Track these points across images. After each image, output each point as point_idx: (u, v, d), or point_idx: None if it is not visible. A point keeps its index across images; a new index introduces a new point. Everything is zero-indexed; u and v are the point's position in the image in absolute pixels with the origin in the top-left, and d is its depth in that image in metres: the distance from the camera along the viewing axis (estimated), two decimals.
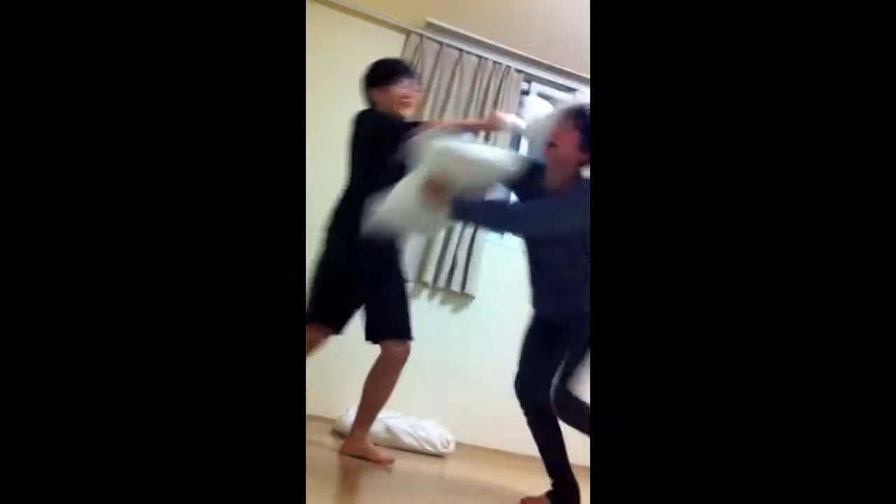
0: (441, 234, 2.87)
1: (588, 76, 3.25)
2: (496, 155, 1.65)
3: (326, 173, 2.84)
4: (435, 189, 1.59)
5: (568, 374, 1.57)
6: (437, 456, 2.38)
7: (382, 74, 1.97)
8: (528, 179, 1.67)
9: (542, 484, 1.74)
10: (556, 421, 1.65)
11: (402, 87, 1.95)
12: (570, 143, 1.55)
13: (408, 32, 3.02)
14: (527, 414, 1.72)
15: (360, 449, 1.97)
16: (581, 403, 1.56)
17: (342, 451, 1.99)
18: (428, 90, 2.97)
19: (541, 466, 1.73)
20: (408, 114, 1.98)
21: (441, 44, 3.03)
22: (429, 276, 2.85)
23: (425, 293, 2.93)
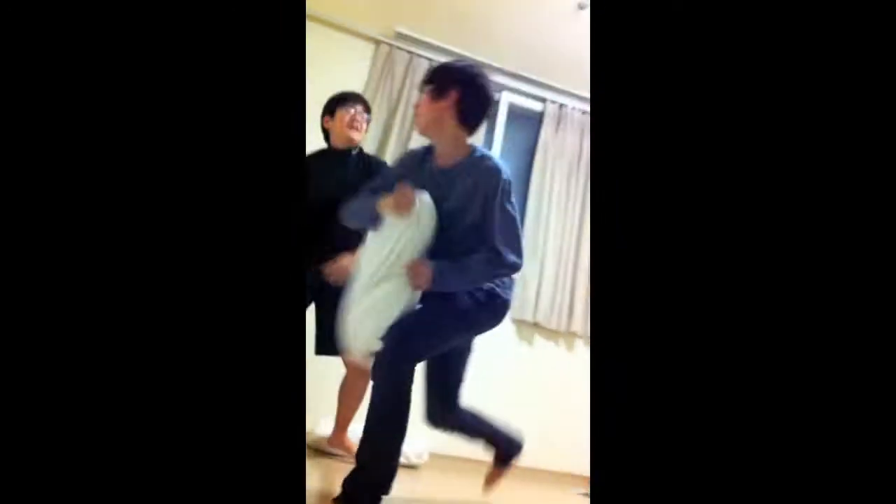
0: None
1: (556, 84, 3.30)
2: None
3: None
4: (418, 269, 1.48)
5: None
6: (411, 467, 2.35)
7: (331, 103, 2.16)
8: (419, 166, 1.61)
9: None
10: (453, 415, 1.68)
11: (347, 113, 2.11)
12: (426, 106, 1.52)
13: (377, 42, 3.02)
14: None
15: (342, 445, 2.16)
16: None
17: (329, 443, 2.20)
18: (398, 100, 2.99)
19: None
20: (356, 136, 2.13)
21: (411, 54, 3.04)
22: None
23: None
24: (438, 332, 1.49)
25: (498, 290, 1.58)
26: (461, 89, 1.49)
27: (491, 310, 1.58)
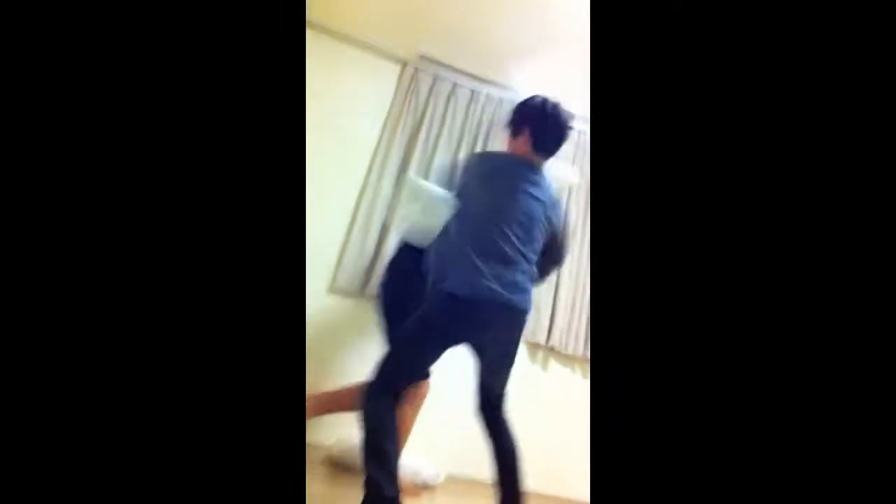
0: None
1: (575, 111, 3.33)
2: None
3: (323, 200, 2.84)
4: None
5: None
6: (427, 488, 2.33)
7: None
8: None
9: None
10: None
11: None
12: (509, 145, 1.80)
13: (403, 63, 3.06)
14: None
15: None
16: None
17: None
18: (422, 119, 3.01)
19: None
20: None
21: (435, 76, 3.08)
22: None
23: None
24: (403, 354, 1.57)
25: (456, 290, 1.56)
26: (532, 126, 1.73)
27: (447, 312, 1.56)
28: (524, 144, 1.72)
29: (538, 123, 1.71)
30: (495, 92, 3.14)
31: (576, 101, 3.25)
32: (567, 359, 3.03)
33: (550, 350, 3.01)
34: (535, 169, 1.72)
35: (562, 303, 3.05)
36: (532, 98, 1.78)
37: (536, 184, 1.69)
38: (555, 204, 1.75)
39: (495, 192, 1.64)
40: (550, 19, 2.79)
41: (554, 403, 2.93)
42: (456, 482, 2.57)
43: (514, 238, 1.59)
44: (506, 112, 1.85)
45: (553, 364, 3.02)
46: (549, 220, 1.71)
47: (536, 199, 1.67)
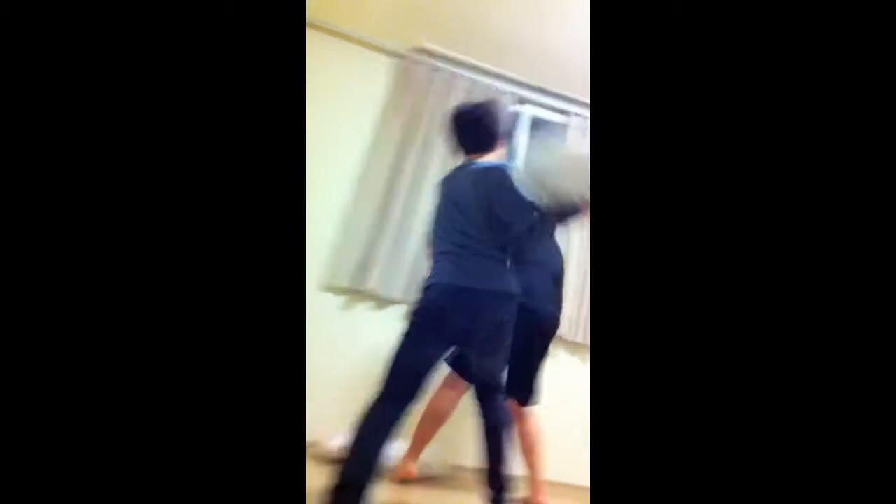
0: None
1: (579, 98, 3.28)
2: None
3: (317, 196, 2.85)
4: None
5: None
6: (428, 477, 2.32)
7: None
8: None
9: None
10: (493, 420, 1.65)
11: None
12: None
13: (399, 56, 3.07)
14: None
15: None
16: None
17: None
18: (420, 114, 3.00)
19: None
20: None
21: (433, 68, 3.08)
22: None
23: None
24: (394, 360, 1.62)
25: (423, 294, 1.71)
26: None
27: (416, 311, 1.68)
28: None
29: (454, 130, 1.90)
30: (495, 83, 3.12)
31: (578, 89, 3.21)
32: (575, 347, 2.99)
33: (558, 339, 2.97)
34: (465, 166, 1.84)
35: (569, 292, 3.00)
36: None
37: (466, 178, 1.78)
38: (492, 188, 1.70)
39: (440, 201, 1.85)
40: (551, 6, 2.76)
41: (562, 391, 2.89)
42: (459, 471, 2.55)
43: (462, 230, 1.70)
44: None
45: (561, 352, 2.98)
46: (492, 204, 1.68)
47: (473, 190, 1.72)
